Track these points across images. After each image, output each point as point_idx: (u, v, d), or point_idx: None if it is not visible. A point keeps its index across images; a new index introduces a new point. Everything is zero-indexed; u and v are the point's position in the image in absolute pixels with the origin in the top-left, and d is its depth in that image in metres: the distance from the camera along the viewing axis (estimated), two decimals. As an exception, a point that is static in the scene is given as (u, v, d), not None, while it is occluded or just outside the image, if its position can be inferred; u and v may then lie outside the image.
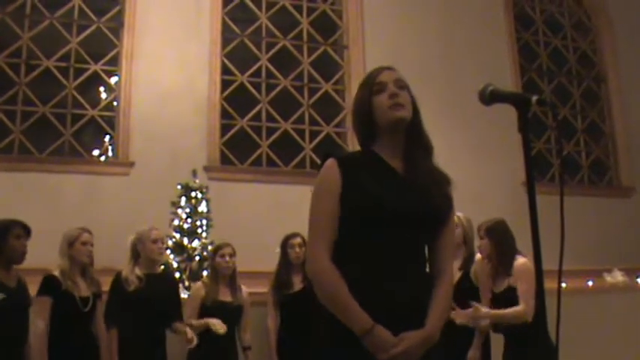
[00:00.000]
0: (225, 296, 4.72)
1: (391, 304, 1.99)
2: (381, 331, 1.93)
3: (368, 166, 2.15)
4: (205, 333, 4.60)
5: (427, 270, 2.16)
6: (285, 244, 5.05)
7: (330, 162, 2.14)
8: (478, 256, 4.52)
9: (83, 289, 4.31)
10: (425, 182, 2.12)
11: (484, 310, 4.01)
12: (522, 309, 3.86)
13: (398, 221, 2.04)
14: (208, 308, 4.61)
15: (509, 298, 3.94)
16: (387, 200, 2.06)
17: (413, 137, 2.18)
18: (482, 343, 4.34)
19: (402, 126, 2.15)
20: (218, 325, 4.43)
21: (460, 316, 3.96)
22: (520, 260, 3.99)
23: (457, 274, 4.41)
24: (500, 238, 4.09)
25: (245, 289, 4.90)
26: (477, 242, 4.32)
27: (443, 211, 2.14)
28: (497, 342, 4.23)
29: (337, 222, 2.08)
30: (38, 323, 4.06)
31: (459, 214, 4.66)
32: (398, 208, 2.05)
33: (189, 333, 4.36)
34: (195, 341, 4.32)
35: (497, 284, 4.12)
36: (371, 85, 2.18)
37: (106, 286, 4.49)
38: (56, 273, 4.22)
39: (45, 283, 4.17)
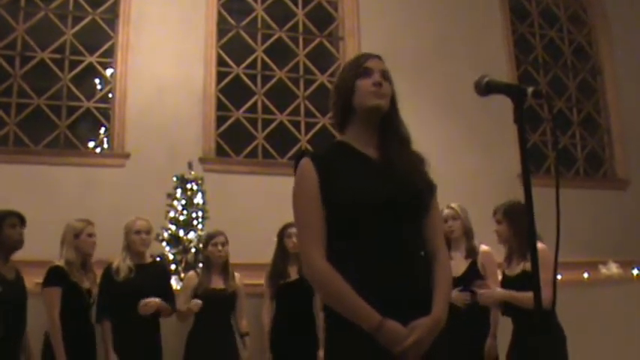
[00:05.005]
0: (218, 284, 4.73)
1: (395, 294, 1.97)
2: (392, 324, 1.92)
3: (343, 158, 2.13)
4: (202, 321, 4.63)
5: (422, 253, 2.14)
6: (283, 233, 5.03)
7: (305, 161, 2.11)
8: (483, 247, 4.50)
9: (85, 281, 4.36)
10: (402, 167, 2.10)
11: (499, 290, 3.94)
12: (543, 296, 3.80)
13: (383, 210, 2.02)
14: (200, 296, 4.61)
15: (522, 282, 3.77)
16: (368, 190, 2.04)
17: (387, 129, 2.17)
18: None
19: (378, 115, 2.15)
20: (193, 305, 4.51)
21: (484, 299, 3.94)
22: (539, 246, 3.92)
23: (464, 264, 4.41)
24: (518, 220, 3.91)
25: (238, 276, 4.90)
26: (493, 227, 4.14)
27: (425, 194, 2.14)
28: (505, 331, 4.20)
29: (324, 221, 2.05)
30: (53, 315, 4.07)
31: (454, 205, 4.65)
32: (380, 196, 2.03)
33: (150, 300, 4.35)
34: (147, 310, 4.31)
35: (511, 267, 4.01)
36: (357, 67, 2.17)
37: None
38: (60, 264, 4.24)
39: (54, 274, 4.19)
